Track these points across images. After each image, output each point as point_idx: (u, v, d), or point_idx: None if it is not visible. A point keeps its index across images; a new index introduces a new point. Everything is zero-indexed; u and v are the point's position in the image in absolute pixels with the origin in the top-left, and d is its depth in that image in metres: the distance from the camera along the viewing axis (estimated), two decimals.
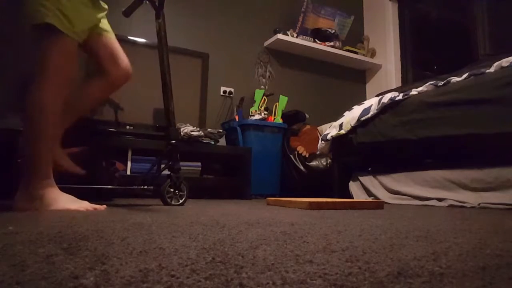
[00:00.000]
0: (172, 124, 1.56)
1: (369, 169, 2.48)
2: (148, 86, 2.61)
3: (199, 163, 2.55)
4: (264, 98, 3.06)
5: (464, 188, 1.84)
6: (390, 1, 3.81)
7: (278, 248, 0.55)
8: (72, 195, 1.24)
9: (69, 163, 1.46)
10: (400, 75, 3.74)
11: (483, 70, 1.83)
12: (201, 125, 2.76)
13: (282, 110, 3.09)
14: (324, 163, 2.75)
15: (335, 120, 2.53)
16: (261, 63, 3.36)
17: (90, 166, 1.78)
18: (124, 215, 1.03)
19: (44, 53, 1.21)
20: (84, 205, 1.20)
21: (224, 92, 3.16)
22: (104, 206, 1.25)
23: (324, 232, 0.73)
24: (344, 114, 2.49)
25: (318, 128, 3.17)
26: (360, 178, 2.46)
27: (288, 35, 3.36)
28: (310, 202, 1.47)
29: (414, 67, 3.76)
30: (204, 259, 0.46)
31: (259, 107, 3.02)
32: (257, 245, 0.57)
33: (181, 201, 1.57)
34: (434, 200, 1.92)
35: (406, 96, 2.12)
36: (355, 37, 3.84)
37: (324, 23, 3.51)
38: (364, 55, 3.81)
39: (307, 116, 3.15)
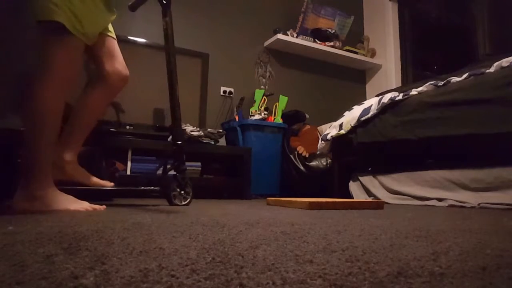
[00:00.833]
0: (177, 125, 1.55)
1: (369, 169, 2.48)
2: (148, 86, 2.62)
3: (199, 163, 2.55)
4: (264, 98, 3.06)
5: (464, 188, 1.84)
6: (390, 1, 3.81)
7: (278, 248, 0.55)
8: (72, 195, 1.24)
9: (86, 177, 1.45)
10: (400, 75, 3.73)
11: (483, 70, 1.83)
12: (201, 125, 2.76)
13: (282, 110, 3.09)
14: (324, 163, 2.75)
15: (335, 120, 2.53)
16: (261, 63, 3.36)
17: (90, 166, 1.78)
18: (124, 215, 1.03)
19: (49, 50, 1.18)
20: (84, 205, 1.19)
21: (224, 92, 3.16)
22: (104, 206, 1.25)
23: (324, 232, 0.73)
24: (344, 114, 2.49)
25: (318, 128, 3.16)
26: (360, 178, 2.46)
27: (288, 35, 3.36)
28: (310, 202, 1.47)
29: (414, 67, 3.76)
30: (204, 259, 0.46)
31: (259, 107, 3.02)
32: (257, 245, 0.57)
33: (186, 202, 1.57)
34: (434, 200, 1.92)
35: (406, 96, 2.12)
36: (355, 37, 3.84)
37: (324, 23, 3.51)
38: (364, 55, 3.81)
39: (307, 116, 3.15)
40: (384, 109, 2.20)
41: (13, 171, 1.72)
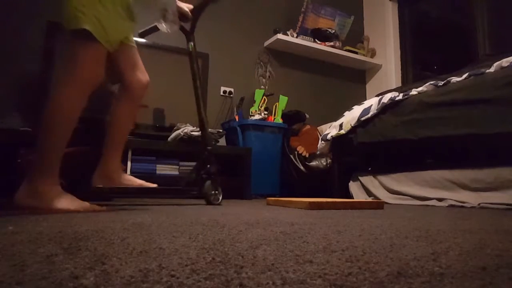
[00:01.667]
0: (206, 131, 1.71)
1: (369, 169, 2.48)
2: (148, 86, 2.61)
3: None
4: (264, 98, 3.06)
5: (464, 188, 1.84)
6: (390, 1, 3.81)
7: (278, 248, 0.55)
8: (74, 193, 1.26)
9: (133, 181, 1.55)
10: (400, 75, 3.74)
11: (483, 70, 1.83)
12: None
13: (282, 110, 3.09)
14: (324, 163, 2.75)
15: (335, 120, 2.53)
16: (261, 63, 3.36)
17: (90, 166, 1.78)
18: (124, 215, 1.03)
19: (75, 54, 1.23)
20: (84, 205, 1.20)
21: (224, 92, 3.16)
22: (104, 207, 1.25)
23: (324, 232, 0.73)
24: (344, 114, 2.49)
25: (318, 128, 3.16)
26: (360, 178, 2.46)
27: (288, 35, 3.36)
28: (310, 202, 1.47)
29: (414, 67, 3.76)
30: (204, 259, 0.46)
31: (259, 107, 3.02)
32: (257, 245, 0.57)
33: (219, 201, 1.67)
34: (434, 200, 1.92)
35: (406, 96, 2.12)
36: (355, 37, 3.84)
37: (324, 23, 3.51)
38: (364, 55, 3.81)
39: (307, 116, 3.15)
40: (384, 109, 2.20)
41: (13, 171, 1.73)
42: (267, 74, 3.37)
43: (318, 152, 2.64)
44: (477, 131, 1.70)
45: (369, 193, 2.36)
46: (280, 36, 3.28)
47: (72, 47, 1.24)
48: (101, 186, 1.48)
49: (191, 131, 2.42)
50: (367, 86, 3.98)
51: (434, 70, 3.77)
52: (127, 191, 1.57)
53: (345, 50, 3.64)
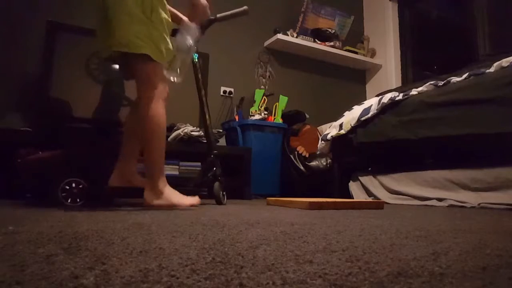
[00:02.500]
0: (211, 137, 1.81)
1: (369, 169, 2.48)
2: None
3: (199, 163, 2.55)
4: (264, 98, 3.06)
5: (464, 188, 1.84)
6: (390, 1, 3.81)
7: (278, 248, 0.55)
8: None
9: (141, 181, 1.63)
10: (400, 75, 3.74)
11: (483, 70, 1.83)
12: (201, 125, 2.76)
13: (282, 110, 3.09)
14: (324, 163, 2.75)
15: (335, 120, 2.53)
16: (261, 63, 3.36)
17: (91, 166, 1.78)
18: (124, 215, 1.03)
19: (148, 74, 1.39)
20: (192, 200, 1.41)
21: (224, 92, 3.16)
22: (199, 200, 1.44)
23: (324, 232, 0.73)
24: (344, 114, 2.49)
25: (318, 128, 3.16)
26: (360, 178, 2.46)
27: (288, 35, 3.36)
28: (310, 202, 1.47)
29: (414, 67, 3.76)
30: (204, 259, 0.46)
31: (259, 107, 3.02)
32: (257, 245, 0.57)
33: (225, 201, 1.74)
34: (434, 200, 1.92)
35: (406, 96, 2.12)
36: (355, 37, 3.84)
37: (324, 23, 3.51)
38: (364, 55, 3.81)
39: (307, 116, 3.15)
40: (384, 109, 2.19)
41: (13, 171, 1.73)
42: (267, 74, 3.37)
43: (318, 152, 2.64)
44: (477, 131, 1.70)
45: (369, 193, 2.36)
46: (280, 36, 3.28)
47: (140, 71, 1.40)
48: (117, 185, 1.59)
49: (191, 131, 2.42)
50: (367, 86, 3.98)
51: (434, 70, 3.77)
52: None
53: (345, 50, 3.64)
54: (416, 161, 2.24)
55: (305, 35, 3.46)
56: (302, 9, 3.39)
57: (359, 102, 2.54)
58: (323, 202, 1.52)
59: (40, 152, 1.78)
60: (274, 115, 3.07)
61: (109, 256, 0.47)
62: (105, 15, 1.36)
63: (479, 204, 1.71)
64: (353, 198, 2.39)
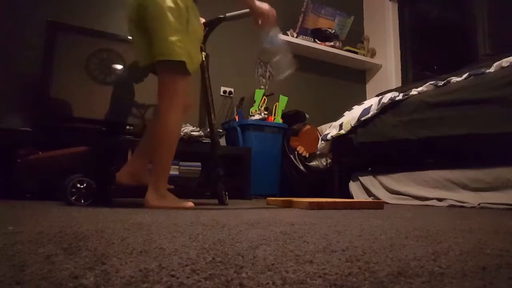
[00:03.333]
0: (216, 138, 1.83)
1: (369, 169, 2.48)
2: (148, 86, 2.61)
3: (199, 163, 2.55)
4: (264, 98, 3.06)
5: (464, 188, 1.84)
6: (390, 1, 3.81)
7: (278, 248, 0.55)
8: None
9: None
10: (400, 75, 3.74)
11: (483, 70, 1.83)
12: (201, 125, 2.76)
13: (282, 110, 3.09)
14: (324, 163, 2.75)
15: (335, 120, 2.53)
16: (261, 63, 3.36)
17: (90, 166, 1.79)
18: (124, 215, 1.02)
19: (174, 83, 1.44)
20: (188, 204, 1.45)
21: (224, 92, 3.16)
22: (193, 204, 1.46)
23: (324, 232, 0.73)
24: (344, 114, 2.49)
25: (318, 128, 3.16)
26: (360, 178, 2.45)
27: (288, 35, 3.36)
28: (310, 202, 1.47)
29: (414, 67, 3.76)
30: (204, 259, 0.46)
31: (259, 107, 3.02)
32: (257, 245, 0.57)
33: (227, 201, 1.77)
34: (434, 200, 1.92)
35: (406, 96, 2.12)
36: (355, 37, 3.84)
37: (324, 23, 3.51)
38: (364, 55, 3.81)
39: (307, 116, 3.15)
40: (384, 109, 2.19)
41: (13, 171, 1.73)
42: (267, 74, 3.37)
43: (318, 152, 2.64)
44: (477, 131, 1.70)
45: (369, 193, 2.36)
46: (280, 36, 3.28)
47: (171, 78, 1.44)
48: (126, 183, 1.63)
49: (191, 131, 2.42)
50: (367, 86, 3.98)
51: (434, 70, 3.77)
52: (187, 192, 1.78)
53: (345, 50, 3.64)
54: (416, 161, 2.24)
55: (305, 35, 3.46)
56: (302, 9, 3.39)
57: (359, 102, 2.54)
58: (323, 202, 1.52)
59: (40, 152, 1.78)
60: (274, 115, 3.07)
61: (109, 256, 0.47)
62: (144, 27, 1.46)
63: (479, 204, 1.71)
64: (353, 198, 2.39)
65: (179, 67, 1.42)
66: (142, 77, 2.34)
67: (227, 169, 2.69)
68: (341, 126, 2.41)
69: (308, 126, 3.12)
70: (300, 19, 3.42)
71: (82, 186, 1.49)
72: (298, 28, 3.42)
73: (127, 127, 2.43)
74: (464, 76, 1.91)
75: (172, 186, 1.70)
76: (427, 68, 3.82)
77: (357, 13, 3.85)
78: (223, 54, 3.15)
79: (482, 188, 1.75)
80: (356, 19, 3.70)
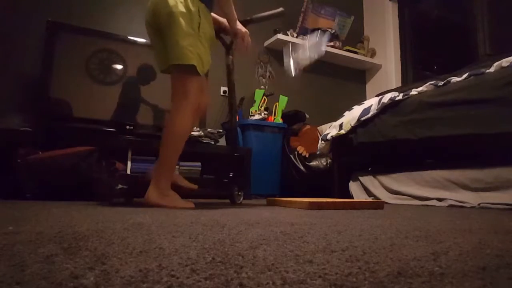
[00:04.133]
0: (237, 140, 1.90)
1: (369, 169, 2.48)
2: (148, 86, 2.62)
3: (199, 163, 2.55)
4: (264, 98, 3.06)
5: (464, 188, 1.84)
6: (390, 1, 3.81)
7: (278, 248, 0.55)
8: None
9: (186, 182, 1.74)
10: (400, 75, 3.74)
11: (483, 70, 1.83)
12: (201, 125, 2.76)
13: (282, 110, 3.09)
14: (324, 163, 2.75)
15: (335, 120, 2.53)
16: (261, 63, 3.36)
17: (91, 166, 1.79)
18: (124, 215, 1.02)
19: (186, 85, 1.49)
20: (189, 204, 1.46)
21: (224, 92, 3.15)
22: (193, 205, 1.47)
23: (324, 232, 0.73)
24: (344, 114, 2.49)
25: (318, 128, 3.16)
26: (360, 178, 2.45)
27: (288, 35, 3.36)
28: (310, 202, 1.47)
29: (414, 67, 3.76)
30: (204, 259, 0.46)
31: (259, 107, 3.02)
32: (257, 245, 0.57)
33: (240, 200, 1.83)
34: (434, 200, 1.92)
35: (406, 96, 2.12)
36: (355, 37, 3.84)
37: (324, 23, 3.51)
38: (364, 55, 3.81)
39: (307, 116, 3.15)
40: (384, 109, 2.19)
41: (13, 171, 1.73)
42: (267, 74, 3.37)
43: (318, 152, 2.64)
44: (477, 131, 1.70)
45: (369, 193, 2.36)
46: (280, 36, 3.28)
47: (183, 80, 1.50)
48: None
49: (191, 131, 2.42)
50: (367, 86, 3.98)
51: (434, 70, 3.77)
52: (201, 193, 1.89)
53: (345, 50, 3.64)
54: (416, 161, 2.24)
55: (305, 35, 3.46)
56: (302, 9, 3.39)
57: (359, 102, 2.54)
58: (323, 202, 1.52)
59: (40, 152, 1.78)
60: (274, 115, 3.07)
61: (109, 256, 0.47)
62: (160, 31, 1.52)
63: (479, 204, 1.71)
64: (353, 198, 2.39)
65: (190, 70, 1.47)
66: (149, 79, 2.47)
67: (228, 169, 2.70)
68: (341, 126, 2.41)
69: (308, 126, 3.12)
70: (300, 19, 3.42)
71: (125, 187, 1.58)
72: (298, 28, 3.42)
73: (127, 127, 2.43)
74: (464, 76, 1.91)
75: (196, 187, 1.77)
76: (427, 68, 3.82)
77: (357, 13, 3.85)
78: (223, 54, 3.14)
79: (482, 188, 1.75)
80: (356, 19, 3.70)
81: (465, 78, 1.89)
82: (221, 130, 2.71)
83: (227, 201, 1.83)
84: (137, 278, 0.37)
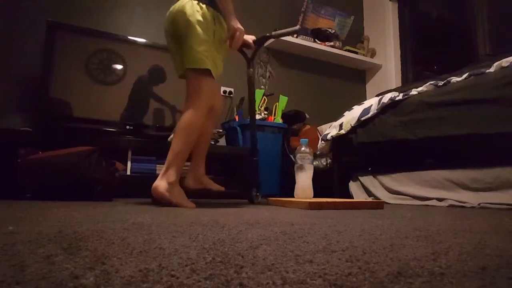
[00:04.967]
0: (256, 147, 2.00)
1: (369, 169, 2.48)
2: (148, 86, 2.62)
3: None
4: (264, 98, 3.06)
5: (464, 188, 1.84)
6: (390, 1, 3.81)
7: (278, 248, 0.55)
8: None
9: (214, 184, 1.83)
10: (400, 75, 3.73)
11: (483, 70, 1.83)
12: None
13: (282, 110, 3.09)
14: (324, 163, 2.74)
15: (335, 120, 2.53)
16: (261, 63, 3.36)
17: (91, 166, 1.79)
18: (124, 215, 1.02)
19: (200, 87, 1.57)
20: (190, 204, 1.48)
21: (224, 92, 3.16)
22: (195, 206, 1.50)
23: (324, 232, 0.73)
24: (344, 114, 2.49)
25: (318, 128, 3.16)
26: (360, 178, 2.45)
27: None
28: (310, 202, 1.47)
29: (414, 67, 3.76)
30: (204, 259, 0.46)
31: (259, 107, 3.02)
32: (257, 245, 0.57)
33: (258, 200, 1.92)
34: (434, 200, 1.92)
35: (406, 96, 2.12)
36: (355, 37, 3.84)
37: (324, 23, 3.51)
38: (364, 55, 3.81)
39: (307, 116, 3.15)
40: (384, 109, 2.19)
41: (13, 171, 1.73)
42: (267, 74, 3.37)
43: (318, 152, 2.64)
44: (477, 131, 1.70)
45: (369, 193, 2.36)
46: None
47: (198, 83, 1.58)
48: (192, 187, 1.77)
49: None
50: (367, 86, 3.98)
51: (434, 70, 3.77)
52: (224, 194, 1.96)
53: (345, 50, 3.64)
54: (416, 161, 2.24)
55: (305, 35, 3.46)
56: (302, 9, 3.38)
57: (359, 102, 2.54)
58: (323, 202, 1.52)
59: (40, 152, 1.78)
60: (274, 115, 3.07)
61: (109, 256, 0.47)
62: (178, 39, 1.60)
63: (479, 204, 1.71)
64: (353, 198, 2.39)
65: (205, 73, 1.56)
66: (152, 80, 2.55)
67: (228, 169, 2.70)
68: (341, 126, 2.41)
69: (308, 126, 3.12)
70: (300, 19, 3.42)
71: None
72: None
73: (127, 127, 2.43)
74: (464, 76, 1.91)
75: (223, 188, 1.84)
76: (427, 68, 3.81)
77: (357, 13, 3.85)
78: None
79: (482, 188, 1.75)
80: (356, 19, 3.70)
81: (465, 78, 1.89)
82: (221, 130, 2.71)
83: (227, 201, 1.86)
84: (137, 278, 0.37)
